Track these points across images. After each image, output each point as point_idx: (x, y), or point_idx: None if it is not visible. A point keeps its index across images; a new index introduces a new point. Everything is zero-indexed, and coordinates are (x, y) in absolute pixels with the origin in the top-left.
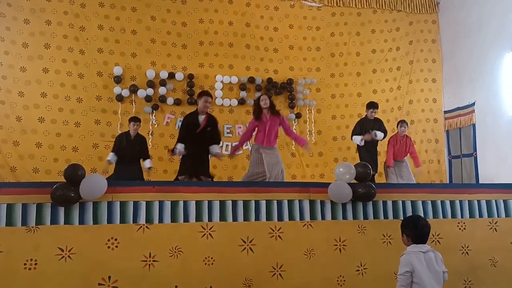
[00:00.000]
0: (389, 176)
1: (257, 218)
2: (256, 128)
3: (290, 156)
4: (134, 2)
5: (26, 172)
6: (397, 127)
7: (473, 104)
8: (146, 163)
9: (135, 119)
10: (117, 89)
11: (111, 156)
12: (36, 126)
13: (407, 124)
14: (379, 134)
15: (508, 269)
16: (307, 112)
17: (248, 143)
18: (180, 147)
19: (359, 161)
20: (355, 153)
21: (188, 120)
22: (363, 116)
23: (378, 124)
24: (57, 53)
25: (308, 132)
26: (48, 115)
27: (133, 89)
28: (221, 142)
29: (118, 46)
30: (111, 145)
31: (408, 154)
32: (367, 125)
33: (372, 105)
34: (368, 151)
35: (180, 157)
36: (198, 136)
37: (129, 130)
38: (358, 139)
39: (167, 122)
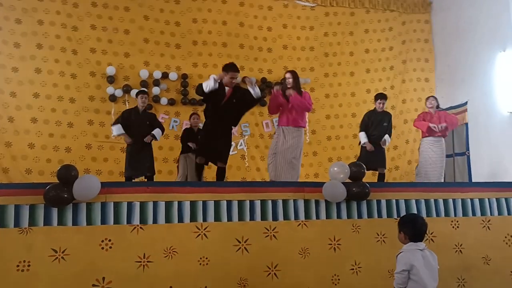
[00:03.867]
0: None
1: (252, 218)
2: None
3: None
4: (127, 2)
5: (18, 173)
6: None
7: (466, 103)
8: (156, 131)
9: (143, 92)
10: (110, 89)
11: (116, 130)
12: (29, 127)
13: (434, 98)
14: (387, 139)
15: (501, 267)
16: None
17: (243, 142)
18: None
19: (353, 160)
20: (351, 150)
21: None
22: (372, 109)
23: (387, 118)
24: (50, 53)
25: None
26: (41, 116)
27: (127, 89)
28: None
29: (111, 46)
30: (105, 146)
31: (447, 124)
32: (375, 118)
33: (380, 96)
34: (370, 149)
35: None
36: (222, 109)
37: (136, 106)
38: (362, 138)
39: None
